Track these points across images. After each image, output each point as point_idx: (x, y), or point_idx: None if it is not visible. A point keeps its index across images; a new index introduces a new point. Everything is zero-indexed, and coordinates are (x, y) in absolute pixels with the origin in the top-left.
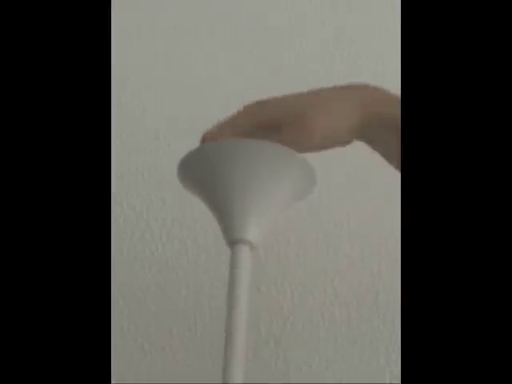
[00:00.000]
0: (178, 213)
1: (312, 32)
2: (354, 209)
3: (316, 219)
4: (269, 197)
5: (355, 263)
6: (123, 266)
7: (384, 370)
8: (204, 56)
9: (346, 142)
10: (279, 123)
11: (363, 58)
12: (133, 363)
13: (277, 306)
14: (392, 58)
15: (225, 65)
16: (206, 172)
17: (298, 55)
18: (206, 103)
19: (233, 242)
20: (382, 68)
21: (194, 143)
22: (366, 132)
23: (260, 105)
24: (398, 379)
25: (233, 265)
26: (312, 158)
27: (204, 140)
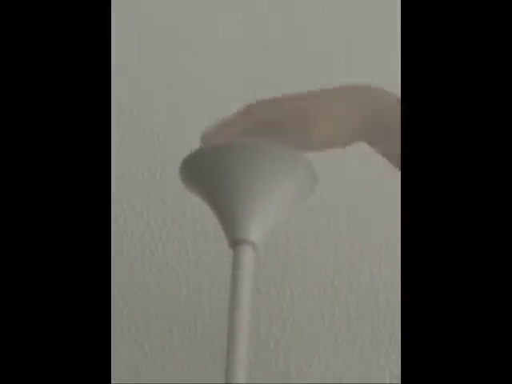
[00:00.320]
0: (177, 213)
1: (312, 32)
2: (354, 209)
3: (316, 219)
4: (272, 197)
5: (355, 263)
6: (123, 266)
7: (384, 370)
8: (204, 56)
9: (346, 143)
10: (279, 123)
11: (363, 58)
12: (133, 363)
13: (277, 307)
14: (392, 58)
15: (225, 65)
16: (209, 172)
17: (298, 55)
18: (206, 103)
19: (236, 242)
20: (382, 68)
21: (194, 143)
22: (366, 132)
23: (260, 105)
24: (398, 379)
25: (235, 265)
26: (312, 158)
27: (204, 139)
